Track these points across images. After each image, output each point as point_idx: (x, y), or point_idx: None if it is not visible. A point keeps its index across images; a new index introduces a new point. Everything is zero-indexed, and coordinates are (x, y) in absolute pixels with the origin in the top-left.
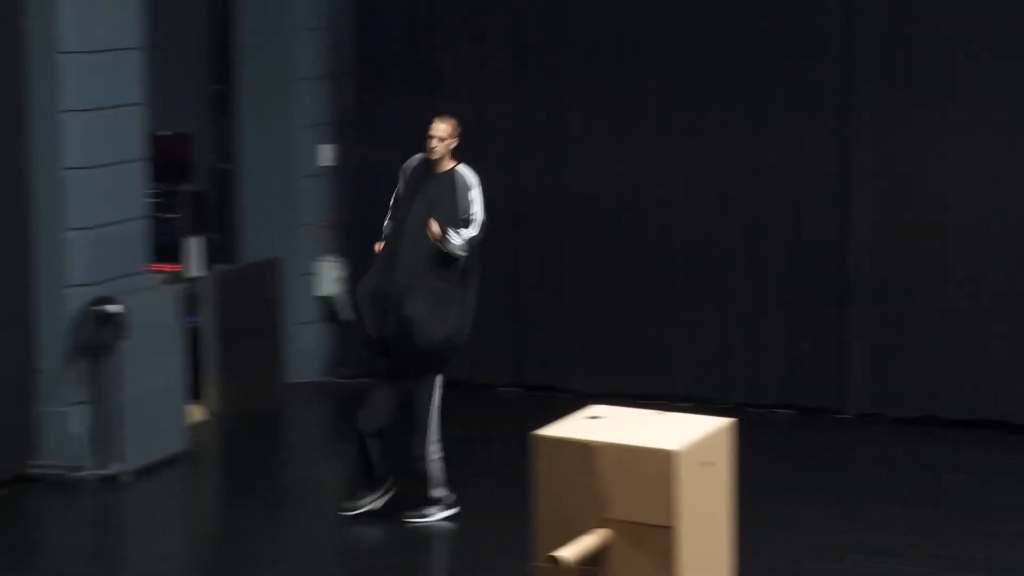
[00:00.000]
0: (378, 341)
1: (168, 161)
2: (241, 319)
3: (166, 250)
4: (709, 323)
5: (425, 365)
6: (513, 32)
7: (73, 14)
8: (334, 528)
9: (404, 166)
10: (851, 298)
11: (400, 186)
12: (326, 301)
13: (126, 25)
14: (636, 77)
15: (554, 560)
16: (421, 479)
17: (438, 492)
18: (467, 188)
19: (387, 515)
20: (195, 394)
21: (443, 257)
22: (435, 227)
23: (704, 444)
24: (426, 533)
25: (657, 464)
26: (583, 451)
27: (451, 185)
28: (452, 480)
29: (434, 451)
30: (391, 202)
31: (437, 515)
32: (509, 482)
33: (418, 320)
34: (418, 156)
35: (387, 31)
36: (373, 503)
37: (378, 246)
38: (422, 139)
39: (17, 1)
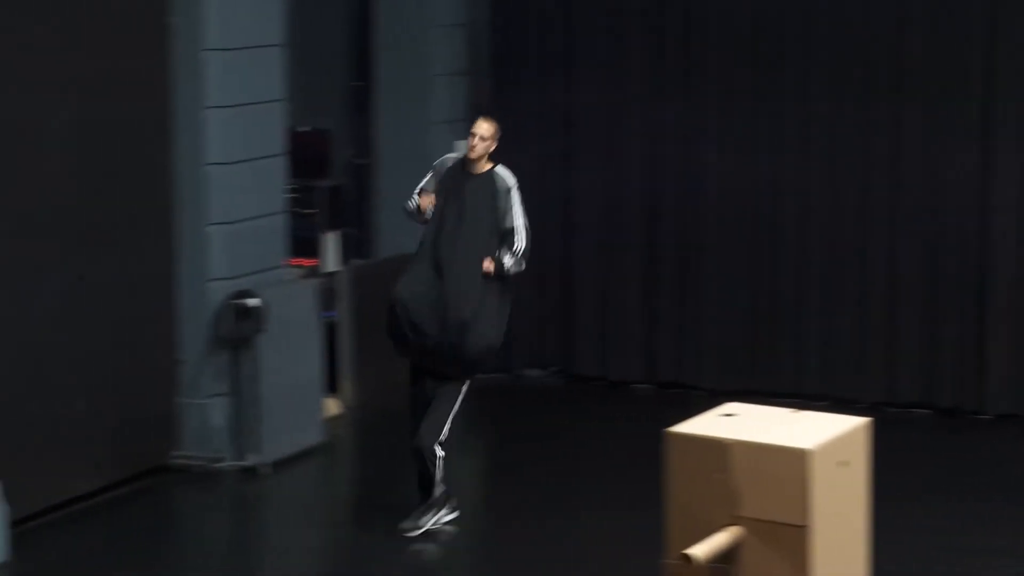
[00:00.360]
0: (415, 344)
1: (307, 157)
2: (376, 314)
3: (304, 245)
4: (845, 322)
5: (464, 370)
6: (650, 28)
7: (217, 12)
8: (465, 520)
9: (437, 164)
10: (990, 298)
11: (429, 184)
12: None
13: (268, 23)
14: (774, 74)
15: (686, 557)
16: (424, 478)
17: (437, 490)
18: (507, 189)
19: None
20: (331, 388)
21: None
22: (488, 264)
23: (840, 443)
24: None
25: (792, 463)
26: (716, 448)
27: (490, 185)
28: (586, 476)
29: (439, 451)
30: (416, 190)
31: (435, 519)
32: (641, 479)
33: (471, 326)
34: (451, 156)
35: (523, 27)
36: (434, 521)
37: (426, 200)
38: (557, 134)
39: (166, 1)
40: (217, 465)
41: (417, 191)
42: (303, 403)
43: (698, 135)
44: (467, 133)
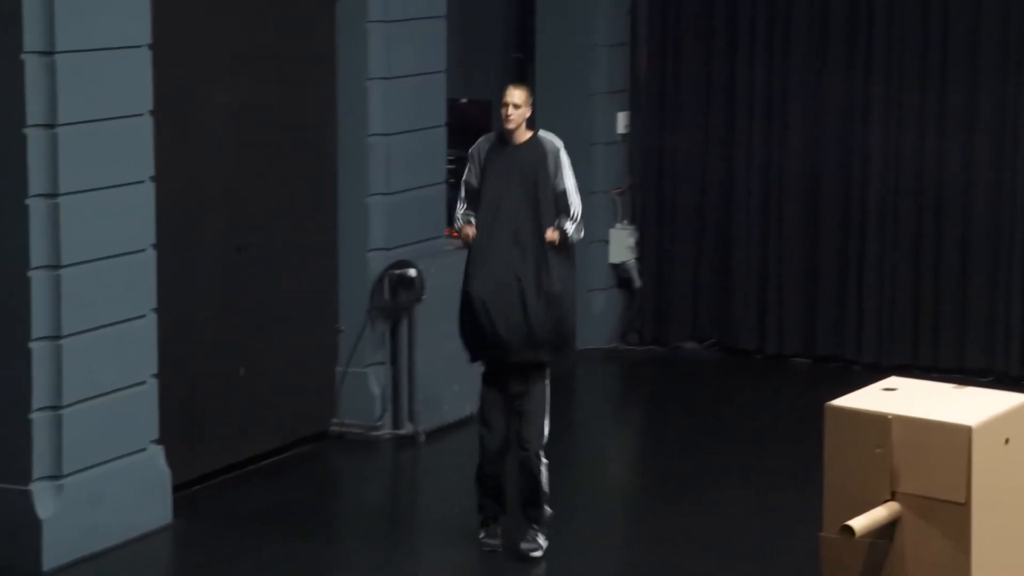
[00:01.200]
0: (498, 341)
1: (467, 128)
2: None
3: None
4: (1011, 296)
5: (555, 348)
6: (812, 1)
7: None
8: (619, 493)
9: (473, 151)
10: None
11: (472, 175)
12: (619, 268)
13: None
14: (941, 51)
15: (845, 529)
16: (531, 489)
17: (544, 497)
18: (555, 151)
19: None
20: None
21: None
22: (552, 235)
23: (1005, 420)
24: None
25: (953, 439)
26: (877, 423)
27: (537, 151)
28: (742, 450)
29: (543, 456)
30: (462, 192)
31: (544, 542)
32: (797, 453)
33: (558, 300)
34: (485, 137)
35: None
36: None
37: (468, 230)
38: (717, 106)
39: None
40: (374, 433)
41: (463, 192)
42: (459, 373)
43: (861, 110)
44: (626, 105)
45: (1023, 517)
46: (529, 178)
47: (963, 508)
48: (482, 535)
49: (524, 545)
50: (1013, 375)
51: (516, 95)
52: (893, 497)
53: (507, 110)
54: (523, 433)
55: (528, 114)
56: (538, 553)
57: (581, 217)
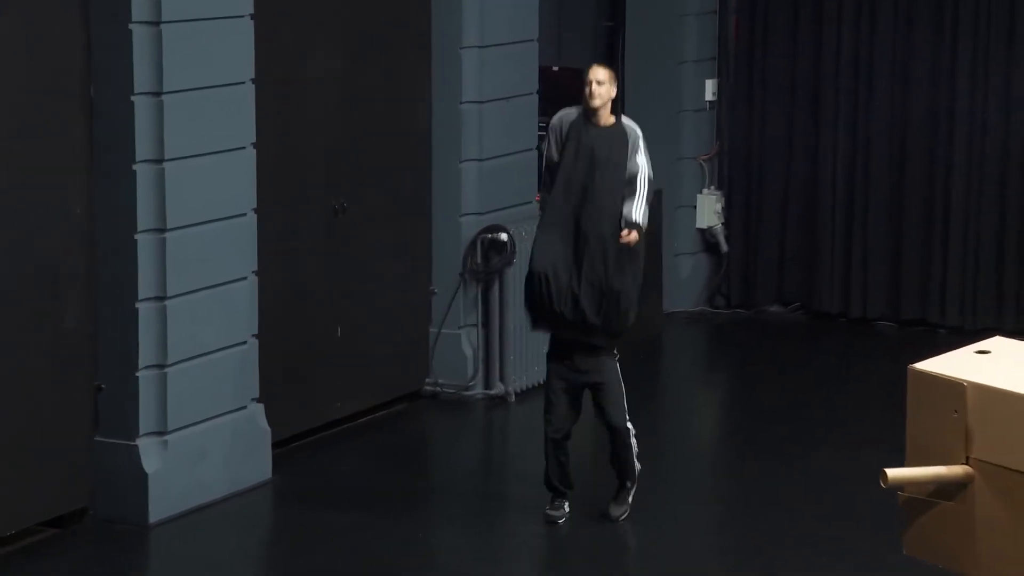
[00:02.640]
0: (558, 317)
1: (558, 95)
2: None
3: None
4: None
5: (613, 336)
6: None
7: None
8: (704, 455)
9: (555, 124)
10: None
11: (552, 149)
12: (706, 232)
13: None
14: None
15: (883, 476)
16: (620, 457)
17: (638, 464)
18: (636, 138)
19: None
20: None
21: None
22: (629, 237)
23: None
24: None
25: (1020, 407)
26: (953, 388)
27: (620, 137)
28: (826, 413)
29: (631, 426)
30: (544, 168)
31: (630, 498)
32: (881, 417)
33: (620, 290)
34: (570, 111)
35: None
36: (568, 511)
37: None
38: (805, 73)
39: None
40: (466, 393)
41: (544, 167)
42: (547, 335)
43: (947, 74)
44: (715, 72)
45: None
46: (607, 163)
47: None
48: (548, 508)
49: (613, 511)
50: None
51: (601, 73)
52: (967, 462)
53: (591, 87)
54: (607, 415)
55: (613, 94)
56: (623, 516)
57: (646, 200)
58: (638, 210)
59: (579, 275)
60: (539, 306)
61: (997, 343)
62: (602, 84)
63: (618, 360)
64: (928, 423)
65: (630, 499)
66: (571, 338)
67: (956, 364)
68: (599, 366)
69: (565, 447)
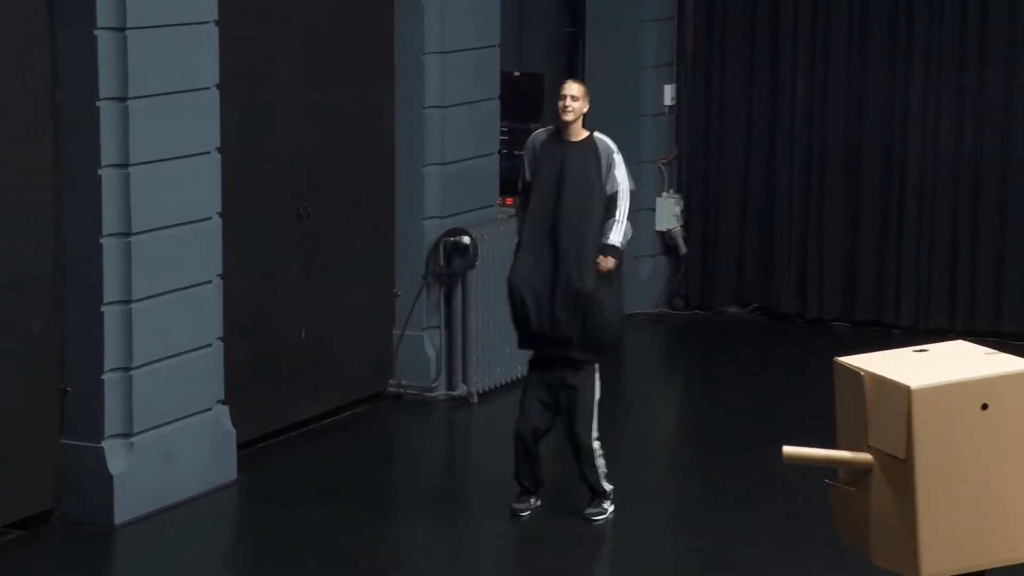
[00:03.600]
0: (539, 333)
1: (520, 100)
2: None
3: (515, 185)
4: None
5: (595, 350)
6: None
7: None
8: (665, 454)
9: (528, 144)
10: None
11: (526, 170)
12: (665, 235)
13: None
14: (979, 33)
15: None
16: (587, 478)
17: (607, 484)
18: (609, 153)
19: None
20: None
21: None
22: (606, 263)
23: (984, 386)
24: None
25: (898, 398)
26: (856, 379)
27: (591, 151)
28: (783, 411)
29: (598, 446)
30: (519, 187)
31: (610, 508)
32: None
33: (597, 302)
34: (541, 131)
35: None
36: (536, 506)
37: None
38: (761, 78)
39: None
40: (429, 394)
41: (520, 187)
42: (510, 336)
43: (901, 81)
44: (673, 78)
45: (996, 485)
46: (580, 178)
47: (906, 465)
48: (514, 501)
49: (589, 510)
50: None
51: (575, 88)
52: (869, 449)
53: (565, 102)
54: (574, 427)
55: (585, 109)
56: (601, 519)
57: (628, 220)
58: (617, 233)
59: (556, 291)
60: (519, 324)
61: (946, 346)
62: (576, 99)
63: (599, 378)
64: (846, 413)
65: (605, 506)
66: (552, 354)
67: (878, 358)
68: (578, 383)
69: (535, 451)
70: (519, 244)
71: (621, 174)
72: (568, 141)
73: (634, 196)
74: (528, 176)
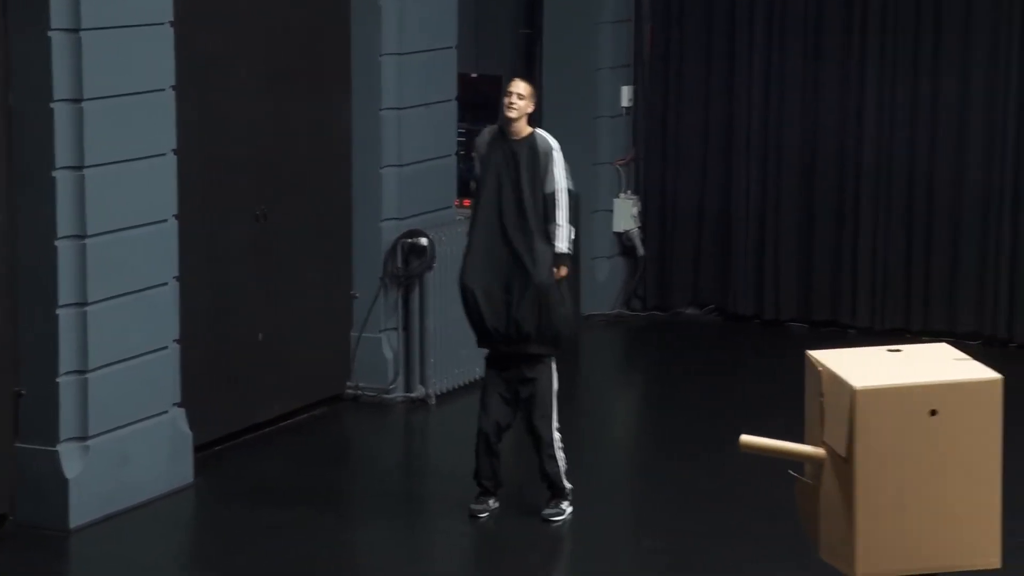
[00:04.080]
0: (494, 331)
1: (477, 101)
2: None
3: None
4: (999, 263)
5: (552, 343)
6: None
7: None
8: (623, 453)
9: (476, 144)
10: None
11: (478, 167)
12: (622, 236)
13: None
14: (932, 35)
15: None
16: (547, 472)
17: (567, 483)
18: (547, 152)
19: None
20: None
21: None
22: (560, 272)
23: (933, 392)
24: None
25: (844, 397)
26: (816, 374)
27: (532, 148)
28: (740, 411)
29: (558, 437)
30: (471, 186)
31: (568, 509)
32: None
33: (549, 294)
34: (487, 130)
35: None
36: (494, 507)
37: None
38: (717, 81)
39: None
40: (387, 395)
41: (473, 186)
42: (467, 338)
43: (857, 82)
44: (630, 79)
45: (947, 490)
46: (520, 175)
47: (847, 464)
48: (473, 502)
49: (547, 511)
50: (1001, 338)
51: (521, 87)
52: (824, 445)
53: (510, 99)
54: (533, 419)
55: (530, 109)
56: (559, 519)
57: (568, 220)
58: (562, 239)
59: (513, 289)
60: (474, 321)
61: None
62: (522, 98)
63: (555, 369)
64: (810, 408)
65: (564, 507)
66: (508, 352)
67: (847, 354)
68: (535, 377)
69: (496, 447)
70: (469, 245)
71: (559, 173)
72: (511, 139)
73: (573, 197)
74: (479, 172)
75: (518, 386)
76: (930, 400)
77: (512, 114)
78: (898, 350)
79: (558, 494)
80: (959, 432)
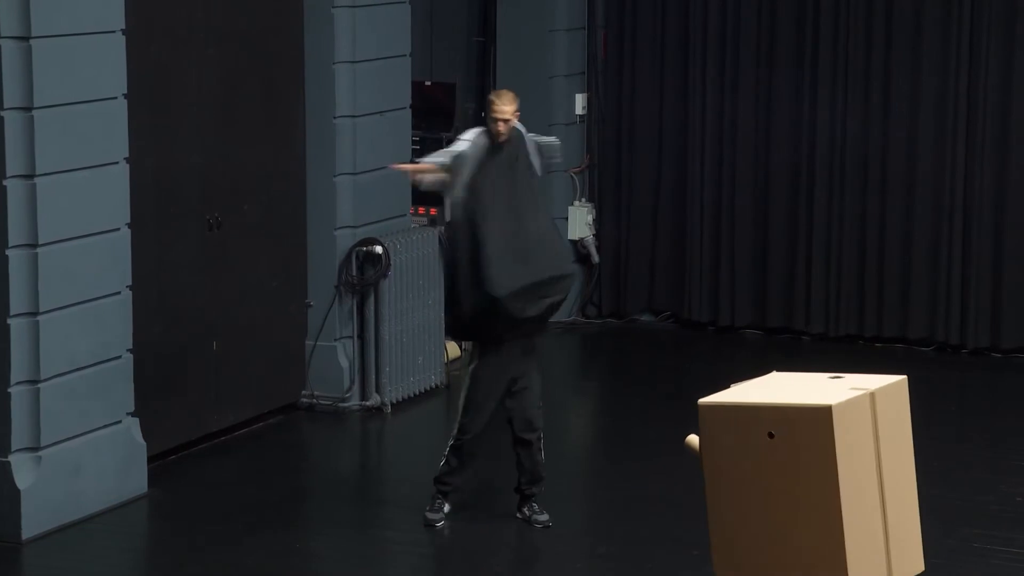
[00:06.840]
0: (525, 321)
1: (431, 109)
2: None
3: (427, 194)
4: (951, 270)
5: (544, 329)
6: None
7: None
8: (579, 460)
9: (468, 153)
10: None
11: (466, 163)
12: (578, 244)
13: None
14: (884, 42)
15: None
16: (536, 462)
17: (543, 470)
18: (522, 135)
19: None
20: None
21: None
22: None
23: (772, 414)
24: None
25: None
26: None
27: (519, 140)
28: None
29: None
30: (465, 198)
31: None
32: None
33: (573, 279)
34: (479, 134)
35: None
36: (447, 513)
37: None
38: (671, 89)
39: None
40: (343, 404)
41: (454, 159)
42: (424, 346)
43: (809, 91)
44: (584, 87)
45: (785, 511)
46: (525, 167)
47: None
48: (427, 510)
49: (538, 517)
50: (953, 344)
51: (508, 111)
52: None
53: (499, 126)
54: (530, 411)
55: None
56: (549, 523)
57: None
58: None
59: (543, 287)
60: (490, 328)
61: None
62: (508, 121)
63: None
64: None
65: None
66: (526, 335)
67: (766, 381)
68: (532, 367)
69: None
70: (478, 252)
71: (543, 139)
72: (500, 144)
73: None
74: (466, 168)
75: (516, 380)
76: (767, 422)
77: (502, 140)
78: (841, 376)
79: (534, 491)
80: (798, 455)
